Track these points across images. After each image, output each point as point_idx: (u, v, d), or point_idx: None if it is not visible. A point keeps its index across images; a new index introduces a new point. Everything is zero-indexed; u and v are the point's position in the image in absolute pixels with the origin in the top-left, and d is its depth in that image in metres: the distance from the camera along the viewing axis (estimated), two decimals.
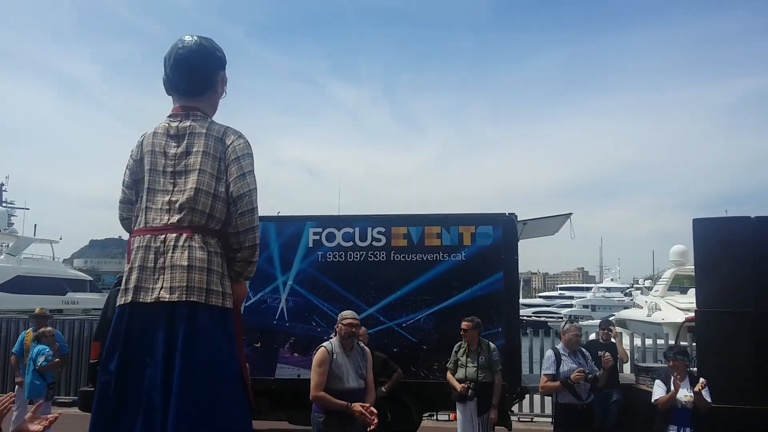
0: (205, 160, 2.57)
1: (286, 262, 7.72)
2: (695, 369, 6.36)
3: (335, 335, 5.05)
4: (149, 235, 2.53)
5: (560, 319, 42.59)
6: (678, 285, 20.92)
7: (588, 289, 65.05)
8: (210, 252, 2.53)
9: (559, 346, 6.38)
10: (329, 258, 7.69)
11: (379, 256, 7.69)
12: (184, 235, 2.51)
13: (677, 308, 17.70)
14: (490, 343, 6.55)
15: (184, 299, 2.41)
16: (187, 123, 2.64)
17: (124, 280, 2.54)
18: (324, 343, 4.97)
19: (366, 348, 5.14)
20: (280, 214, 8.58)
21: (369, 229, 7.74)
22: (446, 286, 7.59)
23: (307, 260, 7.71)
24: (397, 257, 7.67)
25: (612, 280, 66.88)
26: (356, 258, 7.69)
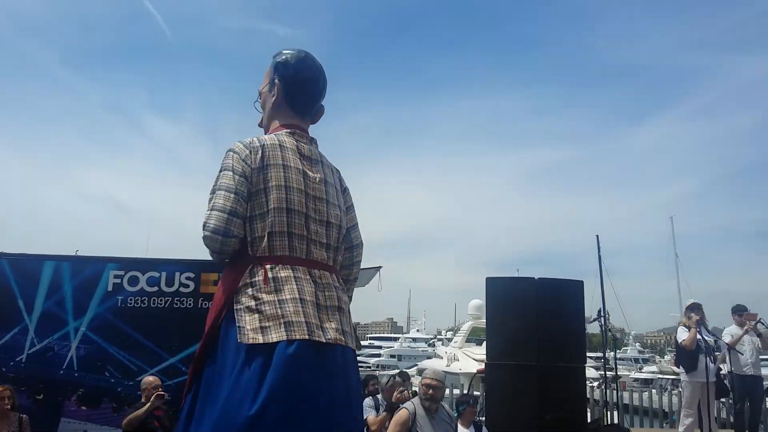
0: (337, 195, 2.38)
1: (80, 306, 7.13)
2: (483, 418, 6.81)
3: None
4: (315, 270, 2.19)
5: (369, 368, 43.36)
6: (475, 337, 22.40)
7: (395, 339, 67.13)
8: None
9: (379, 396, 6.53)
10: (130, 303, 7.23)
11: (186, 302, 7.38)
12: (335, 276, 2.30)
13: (473, 359, 18.92)
14: None
15: (351, 345, 2.21)
16: (315, 148, 2.38)
17: (276, 312, 2.05)
18: (406, 404, 4.46)
19: (451, 411, 4.69)
20: (78, 254, 7.97)
21: (177, 274, 7.42)
22: None
23: (104, 305, 7.18)
24: (206, 304, 7.41)
25: (418, 330, 69.81)
26: (161, 304, 7.31)
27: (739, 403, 8.11)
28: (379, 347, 61.69)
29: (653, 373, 34.05)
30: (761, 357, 9.50)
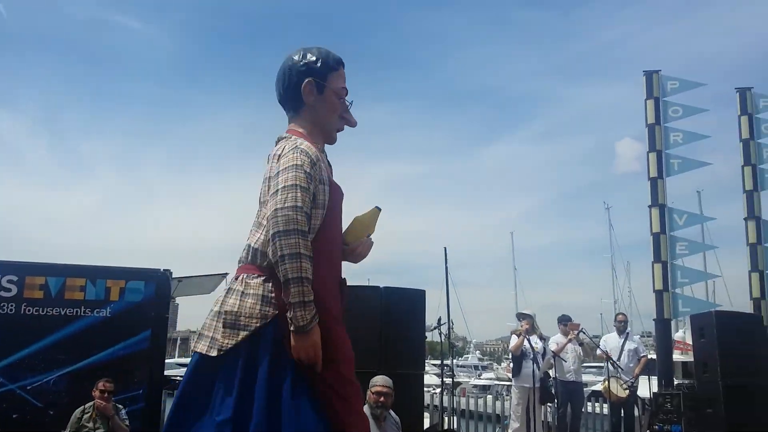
0: (265, 187, 2.30)
1: None
2: None
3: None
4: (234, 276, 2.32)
5: None
6: None
7: None
8: (243, 293, 2.19)
9: None
10: None
11: (7, 308, 6.78)
12: (241, 275, 2.24)
13: None
14: (118, 404, 6.21)
15: (199, 350, 2.21)
16: (275, 147, 2.34)
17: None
18: None
19: (396, 416, 4.34)
20: None
21: None
22: (86, 344, 6.99)
23: None
24: (30, 310, 6.85)
25: None
26: None
27: (561, 408, 8.77)
28: None
29: (491, 379, 35.92)
30: (584, 364, 10.36)
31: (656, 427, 7.77)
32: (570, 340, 8.71)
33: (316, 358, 2.12)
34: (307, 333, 2.09)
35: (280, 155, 2.26)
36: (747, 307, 12.37)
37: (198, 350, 2.20)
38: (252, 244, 2.25)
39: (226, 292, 2.26)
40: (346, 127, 2.52)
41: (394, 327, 6.72)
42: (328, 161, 2.46)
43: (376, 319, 6.70)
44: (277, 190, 2.16)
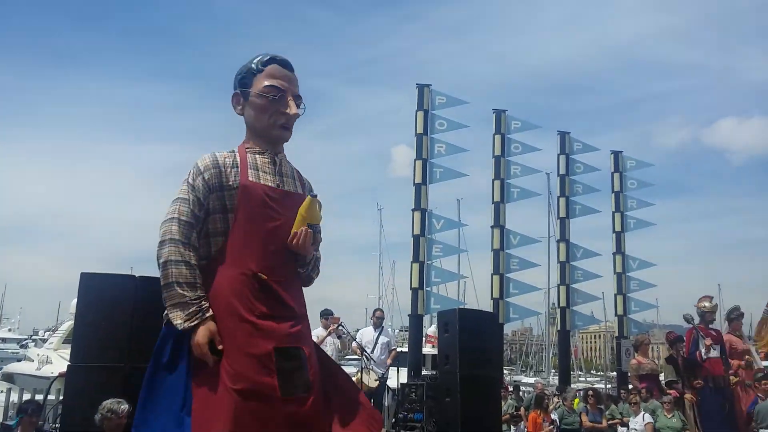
0: None
1: None
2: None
3: None
4: None
5: None
6: None
7: None
8: None
9: None
10: None
11: None
12: None
13: (69, 362, 17.41)
14: None
15: None
16: None
17: None
18: None
19: None
20: None
21: None
22: None
23: None
24: None
25: (10, 330, 61.47)
26: None
27: None
28: None
29: None
30: (345, 357, 10.74)
31: (401, 415, 8.30)
32: (330, 333, 8.99)
33: (202, 355, 2.28)
34: (192, 331, 2.29)
35: None
36: (490, 306, 13.81)
37: None
38: None
39: None
40: (291, 118, 2.57)
41: (146, 319, 6.35)
42: (277, 160, 2.56)
43: (127, 310, 6.27)
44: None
